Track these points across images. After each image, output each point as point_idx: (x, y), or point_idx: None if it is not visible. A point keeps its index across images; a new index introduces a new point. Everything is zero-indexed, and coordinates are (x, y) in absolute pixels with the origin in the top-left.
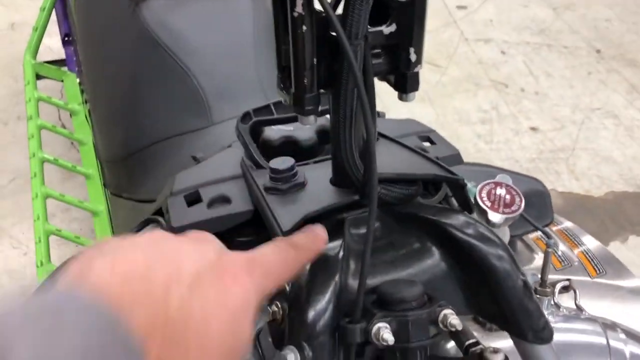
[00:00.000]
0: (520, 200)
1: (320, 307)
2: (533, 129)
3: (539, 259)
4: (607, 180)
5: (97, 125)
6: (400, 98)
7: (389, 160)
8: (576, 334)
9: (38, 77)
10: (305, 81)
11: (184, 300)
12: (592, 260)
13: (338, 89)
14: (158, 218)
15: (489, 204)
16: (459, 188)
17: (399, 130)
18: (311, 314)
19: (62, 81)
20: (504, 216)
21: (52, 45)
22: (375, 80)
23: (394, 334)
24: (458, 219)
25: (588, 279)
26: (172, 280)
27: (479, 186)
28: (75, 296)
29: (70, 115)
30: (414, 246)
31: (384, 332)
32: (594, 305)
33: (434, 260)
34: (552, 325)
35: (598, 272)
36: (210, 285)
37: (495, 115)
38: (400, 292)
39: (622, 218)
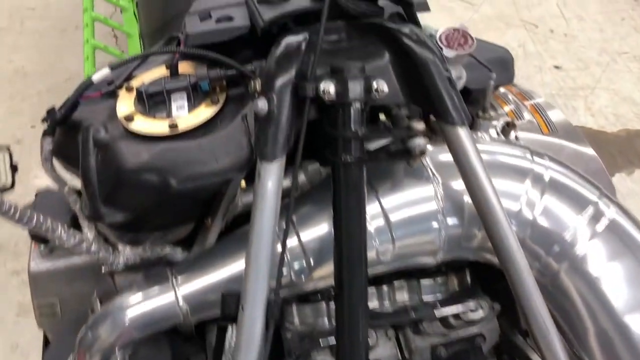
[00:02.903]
0: (472, 42)
1: (285, 75)
2: (557, 67)
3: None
4: (622, 119)
5: (140, 4)
6: None
7: None
8: (504, 156)
9: None
10: None
11: None
12: (549, 124)
13: None
14: (177, 34)
15: (445, 43)
16: (408, 6)
17: None
18: (278, 78)
19: None
20: (456, 52)
21: None
22: None
23: (337, 93)
24: (405, 28)
25: (539, 135)
26: None
27: (440, 31)
28: None
29: (121, 12)
30: (369, 49)
31: (328, 87)
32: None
33: (383, 60)
34: (485, 146)
35: (550, 131)
36: None
37: (521, 52)
38: (346, 64)
39: (631, 153)
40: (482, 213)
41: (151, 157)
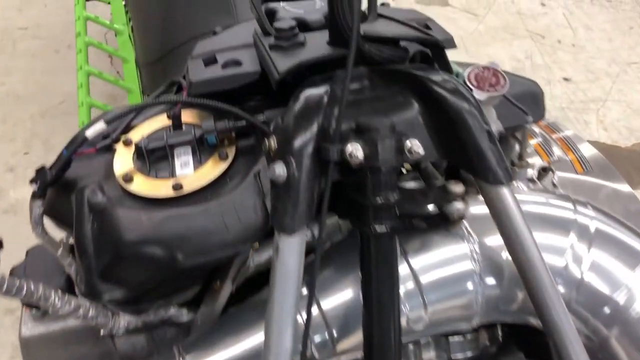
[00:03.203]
0: (505, 82)
1: (305, 135)
2: (566, 79)
3: (535, 160)
4: (636, 133)
5: (136, 33)
6: None
7: (384, 30)
8: (545, 206)
9: None
10: None
11: None
12: (582, 160)
13: None
14: (179, 79)
15: (475, 84)
16: (438, 50)
17: (398, 16)
18: (297, 138)
19: (109, 3)
20: (488, 94)
21: None
22: None
23: (365, 156)
24: (437, 76)
25: (573, 174)
26: None
27: (468, 70)
28: None
29: (115, 35)
30: (396, 99)
31: (356, 150)
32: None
33: (412, 111)
34: (524, 197)
35: (585, 169)
36: None
37: (529, 64)
38: (373, 122)
39: None
40: (525, 276)
41: (154, 226)
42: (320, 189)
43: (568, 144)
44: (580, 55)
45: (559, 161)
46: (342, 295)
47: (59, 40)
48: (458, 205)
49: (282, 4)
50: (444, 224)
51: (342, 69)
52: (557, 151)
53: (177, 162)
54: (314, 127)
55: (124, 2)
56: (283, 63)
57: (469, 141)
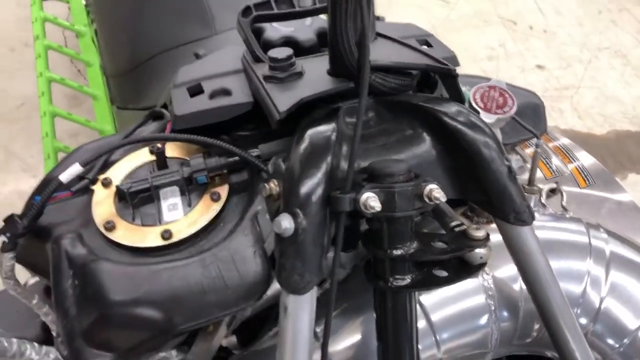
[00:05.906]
0: (513, 102)
1: (313, 181)
2: (539, 66)
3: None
4: (610, 119)
5: (103, 41)
6: None
7: (386, 54)
8: (559, 232)
9: None
10: None
11: None
12: (582, 171)
13: None
14: (162, 110)
15: (482, 105)
16: (450, 78)
17: (397, 33)
18: (304, 186)
19: (68, 2)
20: (496, 116)
21: None
22: None
23: (382, 204)
24: (449, 107)
25: (577, 189)
26: None
27: (473, 89)
28: None
29: (77, 37)
30: (406, 133)
31: (372, 201)
32: (580, 213)
33: (424, 146)
34: (537, 222)
35: (588, 183)
36: None
37: (502, 52)
38: (389, 167)
39: (623, 156)
40: (544, 313)
41: (144, 284)
42: (330, 237)
43: (566, 154)
44: (553, 42)
45: (561, 176)
46: (352, 344)
47: (13, 37)
48: (481, 252)
49: (272, 23)
50: (466, 272)
51: (347, 103)
52: (555, 162)
53: (164, 205)
54: (322, 172)
55: (84, 2)
56: (283, 101)
57: (487, 178)
